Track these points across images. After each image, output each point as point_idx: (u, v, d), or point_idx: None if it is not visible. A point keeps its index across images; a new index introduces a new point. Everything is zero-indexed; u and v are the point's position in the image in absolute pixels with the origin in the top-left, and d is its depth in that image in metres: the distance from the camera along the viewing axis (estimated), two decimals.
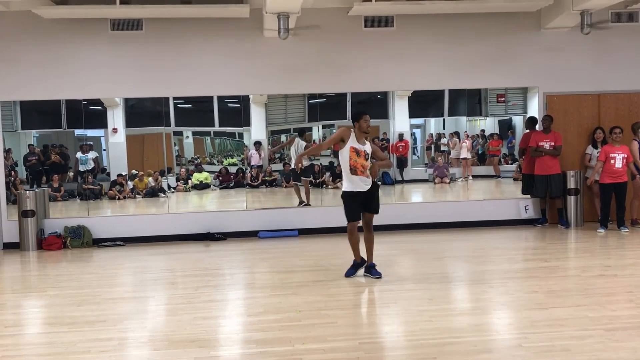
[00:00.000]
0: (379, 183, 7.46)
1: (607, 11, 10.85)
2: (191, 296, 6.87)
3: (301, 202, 11.57)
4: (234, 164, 13.30)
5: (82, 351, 5.09)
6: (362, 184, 7.19)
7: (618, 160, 10.13)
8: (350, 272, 7.44)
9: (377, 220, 10.75)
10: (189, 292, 7.11)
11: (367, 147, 7.24)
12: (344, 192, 7.29)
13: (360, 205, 7.24)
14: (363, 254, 7.45)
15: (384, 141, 12.89)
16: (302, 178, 11.71)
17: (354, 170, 7.14)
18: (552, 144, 10.75)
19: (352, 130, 7.24)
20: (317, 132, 12.56)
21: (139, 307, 6.62)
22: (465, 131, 13.17)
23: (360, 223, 7.33)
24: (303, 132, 12.11)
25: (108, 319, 6.02)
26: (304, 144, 11.87)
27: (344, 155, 7.17)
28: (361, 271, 7.47)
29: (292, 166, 7.47)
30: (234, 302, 6.80)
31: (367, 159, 7.19)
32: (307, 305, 6.31)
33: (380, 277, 7.26)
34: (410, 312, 6.01)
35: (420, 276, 7.66)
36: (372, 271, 7.36)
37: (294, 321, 5.75)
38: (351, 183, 7.20)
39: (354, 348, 4.97)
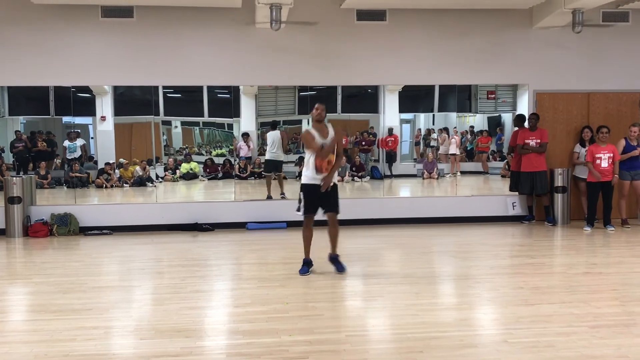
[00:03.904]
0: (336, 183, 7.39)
1: (599, 10, 10.89)
2: (178, 286, 6.85)
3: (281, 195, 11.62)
4: (222, 155, 13.27)
5: (68, 339, 5.06)
6: (319, 177, 7.15)
7: (604, 160, 10.19)
8: (304, 270, 7.32)
9: (366, 213, 10.91)
10: (175, 282, 7.10)
11: (329, 138, 7.14)
12: (304, 184, 7.23)
13: (318, 200, 7.19)
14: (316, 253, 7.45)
15: (372, 135, 12.92)
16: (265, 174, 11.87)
17: (318, 170, 7.12)
18: (538, 141, 10.81)
19: (312, 129, 7.24)
20: (306, 125, 12.54)
21: (126, 296, 6.60)
22: (455, 127, 13.20)
23: (324, 218, 7.31)
24: (275, 125, 12.11)
25: (94, 308, 5.99)
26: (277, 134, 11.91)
27: (310, 155, 7.17)
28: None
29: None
30: (221, 292, 6.79)
31: (333, 152, 7.16)
32: (294, 297, 6.32)
33: (343, 272, 7.27)
34: (397, 306, 6.03)
35: (407, 270, 7.68)
36: (336, 264, 7.36)
37: (281, 313, 5.75)
38: (312, 175, 7.16)
39: (341, 340, 4.98)
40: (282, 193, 11.59)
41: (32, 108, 12.13)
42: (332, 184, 7.21)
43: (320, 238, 7.40)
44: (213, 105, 12.55)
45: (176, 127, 13.34)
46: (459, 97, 12.46)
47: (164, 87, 11.55)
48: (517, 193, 11.28)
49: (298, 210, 7.29)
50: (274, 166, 11.78)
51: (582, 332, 5.14)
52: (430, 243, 9.66)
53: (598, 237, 9.88)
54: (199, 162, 13.29)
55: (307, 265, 7.33)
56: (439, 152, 13.29)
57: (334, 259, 7.40)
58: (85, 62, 10.55)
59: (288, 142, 12.63)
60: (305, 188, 7.23)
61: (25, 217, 10.27)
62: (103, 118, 11.87)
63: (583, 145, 10.98)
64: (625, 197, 10.58)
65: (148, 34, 10.63)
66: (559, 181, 10.99)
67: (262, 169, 12.72)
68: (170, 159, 12.98)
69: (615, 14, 11.11)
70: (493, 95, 12.70)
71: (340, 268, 7.31)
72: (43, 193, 11.43)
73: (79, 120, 12.11)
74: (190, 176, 13.07)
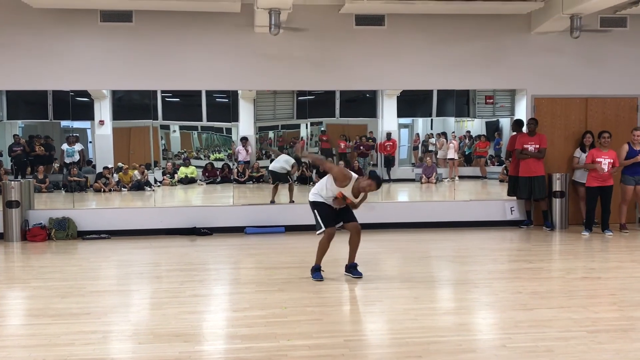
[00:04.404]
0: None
1: (597, 16, 10.93)
2: (176, 290, 6.84)
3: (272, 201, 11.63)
4: (220, 159, 13.29)
5: (66, 343, 5.05)
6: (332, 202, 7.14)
7: (604, 164, 10.20)
8: (318, 276, 7.25)
9: (364, 218, 10.86)
10: (174, 286, 7.09)
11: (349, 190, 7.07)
12: (315, 202, 7.12)
13: (334, 212, 7.15)
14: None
15: (370, 140, 12.93)
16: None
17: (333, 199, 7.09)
18: (537, 146, 10.82)
19: (353, 180, 7.01)
20: (305, 129, 12.56)
21: (124, 300, 6.59)
22: (453, 132, 13.23)
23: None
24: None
25: (92, 312, 5.98)
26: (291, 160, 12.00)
27: (334, 189, 7.02)
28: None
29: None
30: (219, 297, 6.78)
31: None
32: (293, 301, 6.31)
33: (361, 277, 7.26)
34: (396, 311, 6.03)
35: (405, 275, 7.69)
36: (353, 271, 7.34)
37: (280, 317, 5.75)
38: (324, 199, 7.13)
39: (339, 345, 4.98)
40: (292, 200, 11.60)
41: (31, 112, 12.14)
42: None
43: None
44: (211, 110, 12.57)
45: (174, 131, 13.35)
46: (457, 102, 12.50)
47: (163, 92, 11.57)
48: (515, 198, 11.29)
49: (317, 229, 7.10)
50: (278, 178, 11.82)
51: (581, 337, 5.15)
52: (429, 248, 9.67)
53: (596, 241, 9.89)
54: (197, 167, 13.30)
55: (319, 271, 7.24)
56: (437, 156, 13.32)
57: (353, 267, 7.35)
58: (84, 66, 10.55)
59: (285, 146, 12.65)
60: (316, 205, 7.13)
61: (23, 221, 10.25)
62: (101, 122, 11.88)
63: (583, 151, 10.96)
64: (627, 202, 10.60)
65: (147, 39, 10.64)
66: (557, 186, 11.00)
67: (260, 174, 12.75)
68: (169, 163, 12.99)
69: (613, 19, 11.14)
70: (491, 100, 12.74)
71: (356, 273, 7.29)
72: (41, 197, 11.42)
73: (77, 124, 12.12)
74: (187, 180, 13.08)
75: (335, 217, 7.17)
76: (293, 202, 11.52)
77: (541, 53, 11.26)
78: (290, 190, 11.69)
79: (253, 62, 10.80)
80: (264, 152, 12.92)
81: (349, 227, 7.26)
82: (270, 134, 12.96)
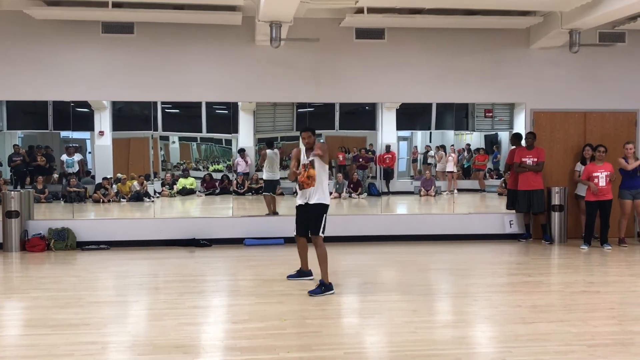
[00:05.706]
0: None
1: (596, 31, 10.99)
2: (175, 302, 6.85)
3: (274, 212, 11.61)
4: (219, 170, 13.30)
5: (65, 354, 5.05)
6: (302, 198, 7.41)
7: (601, 178, 10.21)
8: (294, 276, 7.87)
9: (363, 230, 10.92)
10: (173, 297, 7.09)
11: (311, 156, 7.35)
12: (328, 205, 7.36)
13: (302, 220, 7.50)
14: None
15: (370, 152, 12.95)
16: (264, 193, 11.84)
17: (300, 185, 7.40)
18: (535, 160, 10.85)
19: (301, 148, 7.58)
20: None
21: (123, 311, 6.58)
22: (452, 145, 13.26)
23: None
24: (271, 143, 12.27)
25: (92, 323, 5.99)
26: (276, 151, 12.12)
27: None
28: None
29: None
30: (218, 308, 6.77)
31: (313, 167, 7.28)
32: (292, 313, 6.31)
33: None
34: (395, 323, 6.03)
35: (404, 288, 7.68)
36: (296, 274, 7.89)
37: (279, 329, 5.75)
38: (299, 196, 7.51)
39: (339, 358, 4.98)
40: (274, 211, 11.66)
41: (31, 122, 12.15)
42: (315, 202, 7.28)
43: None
44: (211, 121, 12.59)
45: (174, 142, 13.36)
46: (457, 115, 12.52)
47: (163, 103, 11.59)
48: (514, 211, 11.30)
49: (322, 232, 7.34)
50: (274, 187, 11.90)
51: (581, 350, 5.15)
52: (428, 260, 9.67)
53: (595, 255, 9.90)
54: (196, 178, 13.30)
55: (323, 286, 7.17)
56: (436, 169, 13.34)
57: (301, 272, 7.84)
58: (85, 77, 10.58)
59: (284, 158, 12.63)
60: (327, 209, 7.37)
61: (22, 232, 10.25)
62: (101, 133, 11.89)
63: (584, 163, 10.98)
64: (626, 216, 10.61)
65: (148, 50, 10.68)
66: (556, 199, 11.02)
67: (259, 185, 12.75)
68: (168, 174, 12.99)
69: (611, 34, 11.21)
70: (490, 114, 12.76)
71: (294, 276, 7.83)
72: (40, 207, 11.41)
73: (77, 134, 12.12)
74: (186, 192, 13.08)
75: (301, 223, 7.56)
76: (277, 213, 11.54)
77: (540, 67, 11.32)
78: (268, 204, 11.72)
79: (253, 75, 10.85)
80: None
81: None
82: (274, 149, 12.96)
